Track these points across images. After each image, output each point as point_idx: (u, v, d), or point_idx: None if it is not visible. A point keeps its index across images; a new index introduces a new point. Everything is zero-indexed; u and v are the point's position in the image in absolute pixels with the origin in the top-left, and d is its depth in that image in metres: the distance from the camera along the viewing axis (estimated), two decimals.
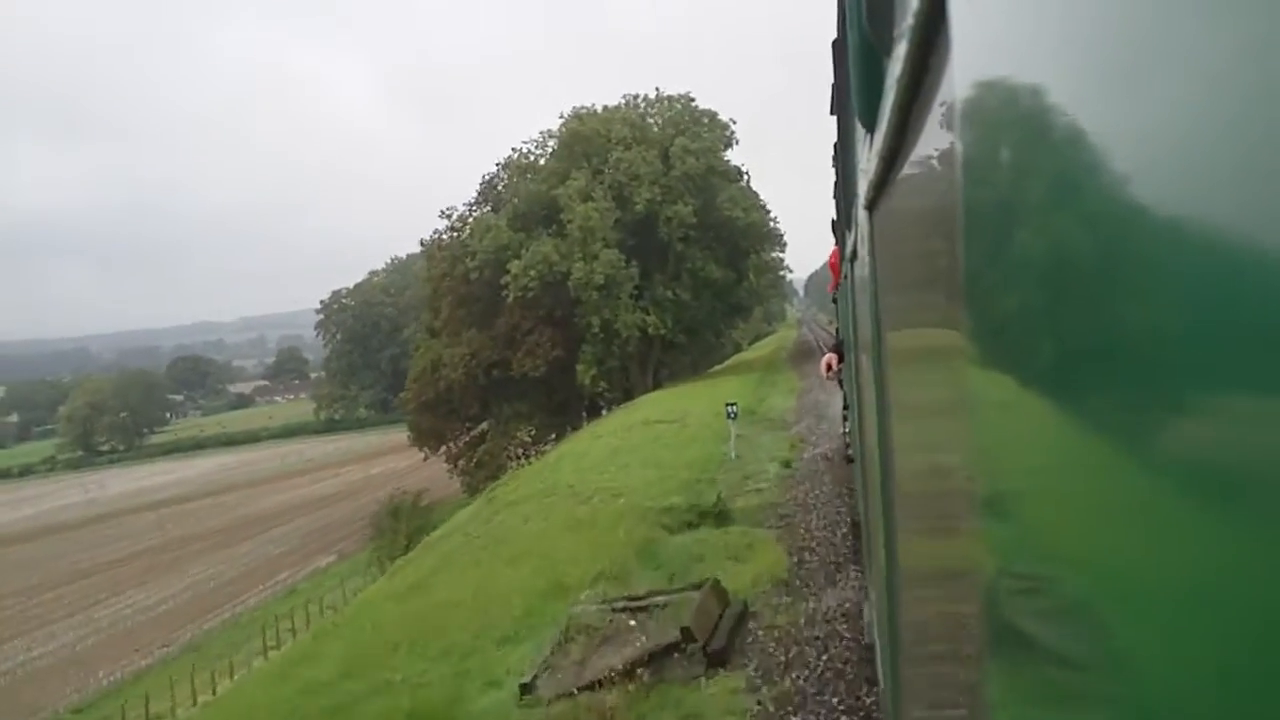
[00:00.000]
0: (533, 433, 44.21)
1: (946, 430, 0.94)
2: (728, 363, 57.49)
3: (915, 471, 1.42)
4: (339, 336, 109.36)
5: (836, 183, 5.16)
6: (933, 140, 0.92)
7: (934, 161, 0.92)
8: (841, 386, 9.11)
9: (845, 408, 9.31)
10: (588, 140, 41.68)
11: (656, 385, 45.15)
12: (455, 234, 43.42)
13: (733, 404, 15.95)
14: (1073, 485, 0.43)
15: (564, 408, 44.16)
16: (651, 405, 28.99)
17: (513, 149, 43.06)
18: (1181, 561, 0.31)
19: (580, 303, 40.13)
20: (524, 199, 41.85)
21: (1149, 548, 0.34)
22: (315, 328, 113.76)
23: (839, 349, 7.73)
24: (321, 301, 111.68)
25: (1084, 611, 0.42)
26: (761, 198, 44.71)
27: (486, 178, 43.45)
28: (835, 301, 9.54)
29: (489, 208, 43.61)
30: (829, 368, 8.00)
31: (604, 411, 43.23)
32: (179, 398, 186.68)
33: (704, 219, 41.93)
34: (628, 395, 43.91)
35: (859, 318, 3.24)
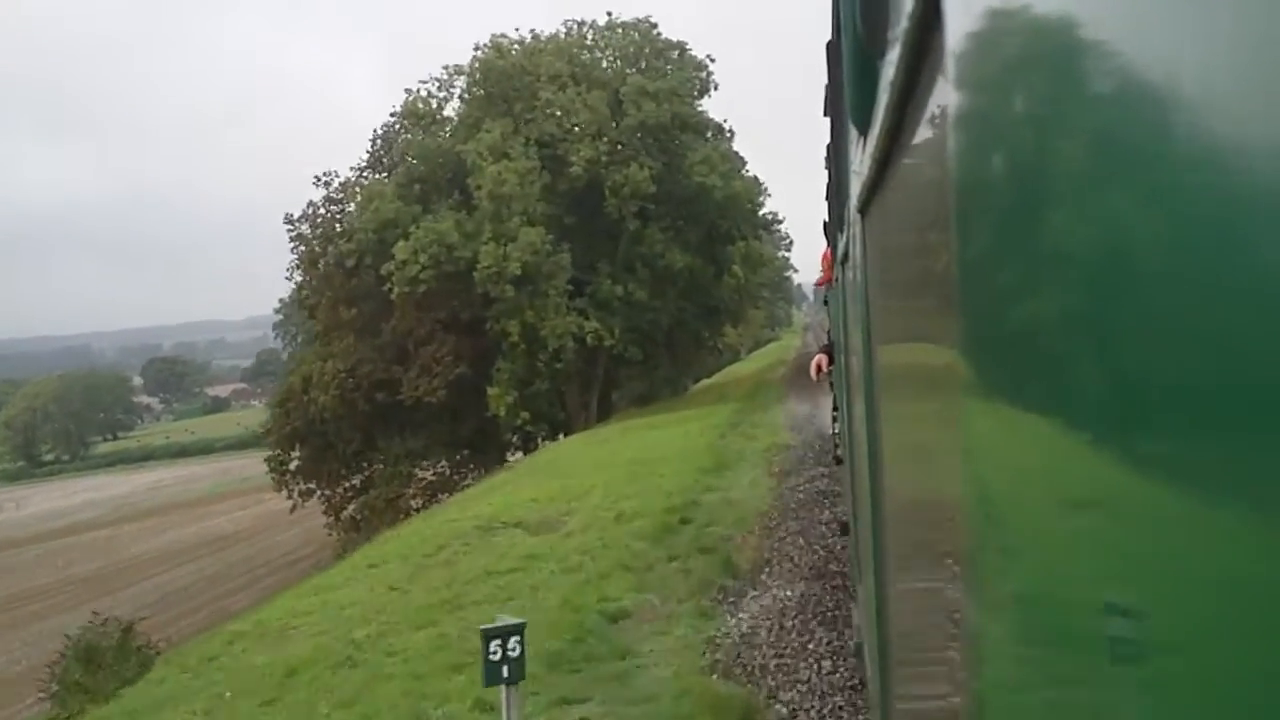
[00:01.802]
0: (434, 476, 33.11)
1: (936, 433, 0.94)
2: (706, 382, 46.40)
3: (904, 473, 1.44)
4: (300, 339, 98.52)
5: (829, 184, 5.07)
6: (926, 142, 0.93)
7: (927, 164, 0.93)
8: (831, 389, 8.66)
9: (835, 409, 8.52)
10: (509, 79, 30.44)
11: (604, 415, 33.89)
12: (336, 207, 32.27)
13: (512, 632, 4.71)
14: (1061, 488, 0.43)
15: (480, 443, 32.96)
16: (539, 472, 17.83)
17: (406, 90, 31.82)
18: (1171, 565, 0.31)
19: (492, 301, 28.92)
20: (420, 158, 30.64)
21: (1137, 551, 0.34)
22: (273, 329, 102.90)
23: (829, 350, 7.25)
24: (281, 300, 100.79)
25: (1071, 613, 0.42)
26: (751, 167, 33.40)
27: (380, 131, 32.26)
28: (826, 303, 9.18)
29: (385, 174, 32.44)
30: (819, 369, 7.43)
31: (540, 442, 32.01)
32: (153, 399, 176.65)
33: (668, 188, 30.64)
34: (564, 429, 32.67)
35: (850, 320, 3.29)
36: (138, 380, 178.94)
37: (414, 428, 31.31)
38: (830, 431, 10.72)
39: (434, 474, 32.58)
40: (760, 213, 36.53)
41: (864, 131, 1.67)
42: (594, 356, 31.44)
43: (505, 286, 28.02)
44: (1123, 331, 0.34)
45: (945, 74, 0.66)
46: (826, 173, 5.23)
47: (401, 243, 28.35)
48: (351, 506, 31.71)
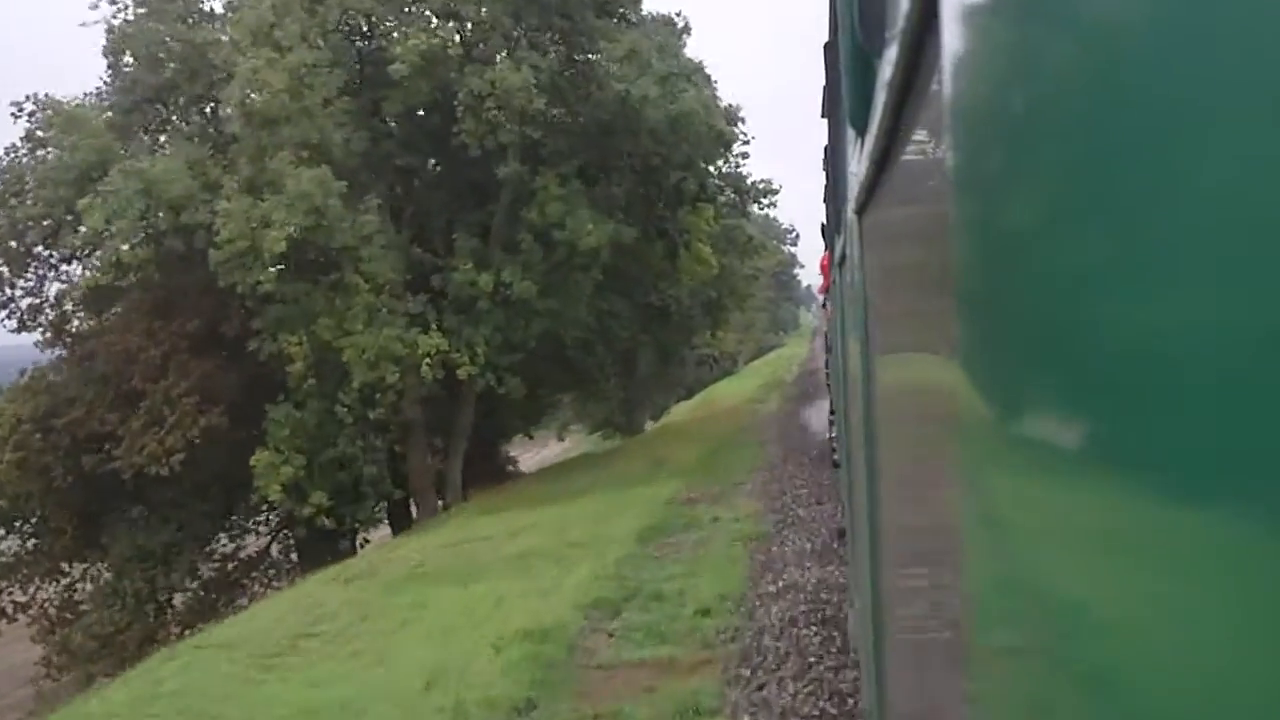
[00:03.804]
0: (214, 574, 20.60)
1: (934, 437, 0.94)
2: (678, 410, 34.47)
3: (902, 478, 1.44)
4: None
5: (827, 186, 5.18)
6: (924, 144, 0.93)
7: (925, 165, 0.93)
8: (829, 390, 8.91)
9: (832, 411, 8.78)
10: None
11: (487, 480, 21.50)
12: (44, 150, 19.78)
13: None
14: (1060, 495, 0.43)
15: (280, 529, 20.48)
16: None
17: None
18: (1173, 577, 0.31)
19: (266, 302, 16.56)
20: (150, 62, 18.22)
21: (1138, 561, 0.34)
22: None
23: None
24: None
25: (1071, 625, 0.42)
26: (715, 84, 20.85)
27: (114, 29, 19.61)
28: (824, 305, 9.54)
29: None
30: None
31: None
32: None
33: (571, 106, 18.20)
34: (399, 512, 20.31)
35: (847, 322, 3.26)
36: None
37: (158, 509, 18.89)
38: (828, 438, 10.12)
39: (206, 577, 20.10)
40: (735, 159, 24.39)
41: (861, 132, 1.68)
42: (455, 391, 18.97)
43: (264, 273, 15.61)
44: (1122, 335, 0.34)
45: (943, 74, 0.66)
46: (824, 175, 5.27)
47: (89, 201, 15.94)
48: (59, 635, 19.28)
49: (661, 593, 8.30)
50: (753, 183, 32.85)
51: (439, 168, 18.85)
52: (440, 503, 19.11)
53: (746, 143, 31.61)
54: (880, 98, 1.19)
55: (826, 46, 3.13)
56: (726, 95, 21.41)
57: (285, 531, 20.50)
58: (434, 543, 12.64)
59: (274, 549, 21.06)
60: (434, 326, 17.20)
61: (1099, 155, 0.36)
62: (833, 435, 8.90)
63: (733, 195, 32.86)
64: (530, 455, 47.91)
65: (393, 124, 18.26)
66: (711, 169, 22.72)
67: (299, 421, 17.06)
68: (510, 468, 24.22)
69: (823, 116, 4.30)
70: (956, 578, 0.73)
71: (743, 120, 20.64)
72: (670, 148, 18.59)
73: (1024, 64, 0.46)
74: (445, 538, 12.94)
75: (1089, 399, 0.38)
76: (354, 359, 16.40)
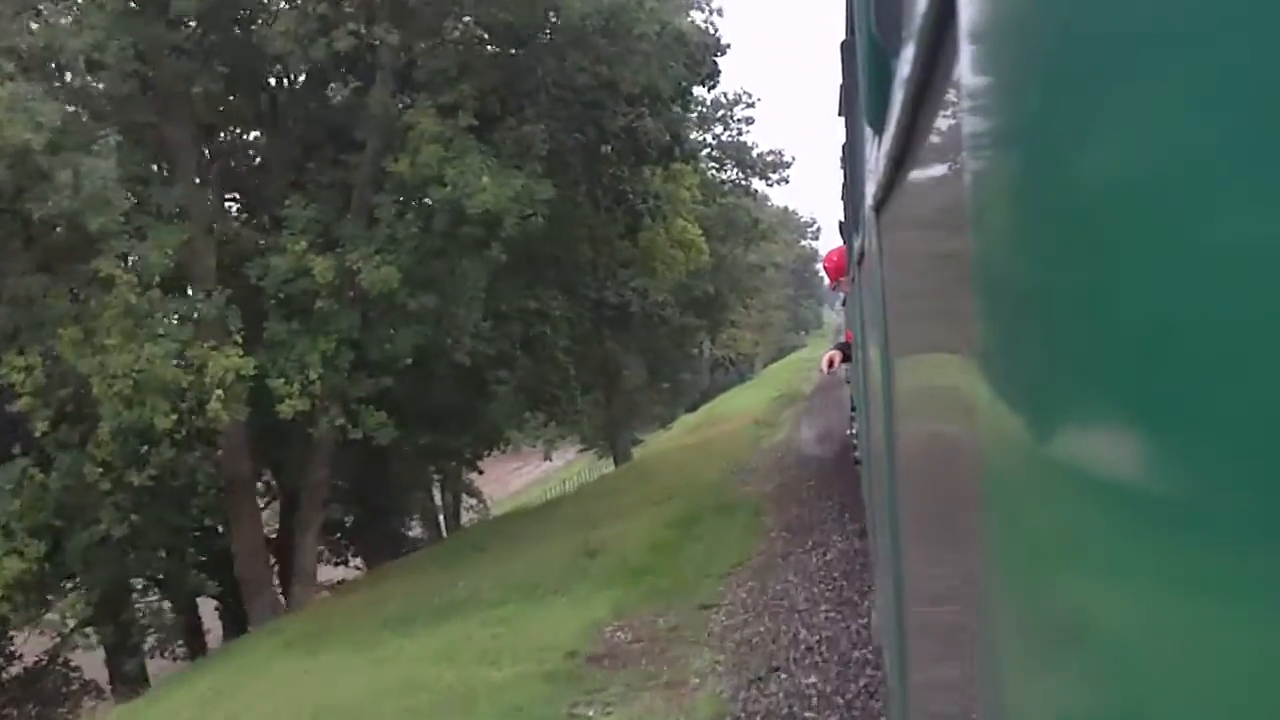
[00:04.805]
0: None
1: (955, 434, 0.95)
2: (654, 444, 28.65)
3: (923, 475, 1.46)
4: None
5: (844, 184, 5.20)
6: (942, 141, 0.94)
7: (943, 163, 0.94)
8: (849, 385, 8.65)
9: (853, 410, 8.59)
10: None
11: (385, 551, 15.48)
12: None
13: None
14: (1081, 492, 0.43)
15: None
16: None
17: None
18: (1195, 575, 0.30)
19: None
20: None
21: (1161, 557, 0.34)
22: None
23: (844, 348, 7.27)
24: None
25: (1093, 618, 0.42)
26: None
27: None
28: (844, 304, 9.35)
29: None
30: (830, 364, 7.27)
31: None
32: None
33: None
34: (233, 623, 14.15)
35: (867, 320, 3.32)
36: None
37: None
38: (849, 434, 9.89)
39: None
40: (738, 124, 18.48)
41: (879, 130, 1.70)
42: (302, 434, 12.86)
43: None
44: (1145, 335, 0.34)
45: (961, 69, 0.66)
46: (842, 172, 5.27)
47: None
48: None
49: None
50: (759, 154, 26.50)
51: (276, 104, 12.78)
52: (283, 598, 13.02)
53: (751, 105, 25.35)
54: (898, 96, 1.21)
55: (843, 45, 3.22)
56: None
57: (84, 631, 14.52)
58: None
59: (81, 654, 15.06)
60: (239, 339, 11.10)
61: (1121, 153, 0.35)
62: (853, 432, 8.72)
63: (735, 170, 26.45)
64: (529, 471, 41.77)
65: (198, 38, 12.17)
66: (690, 118, 16.61)
67: (39, 488, 11.05)
68: (412, 532, 18.06)
69: (839, 115, 4.49)
70: (978, 573, 0.74)
71: (720, 15, 14.34)
72: (613, 63, 12.36)
73: (1044, 60, 0.45)
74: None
75: (1112, 399, 0.38)
76: (102, 390, 10.35)
